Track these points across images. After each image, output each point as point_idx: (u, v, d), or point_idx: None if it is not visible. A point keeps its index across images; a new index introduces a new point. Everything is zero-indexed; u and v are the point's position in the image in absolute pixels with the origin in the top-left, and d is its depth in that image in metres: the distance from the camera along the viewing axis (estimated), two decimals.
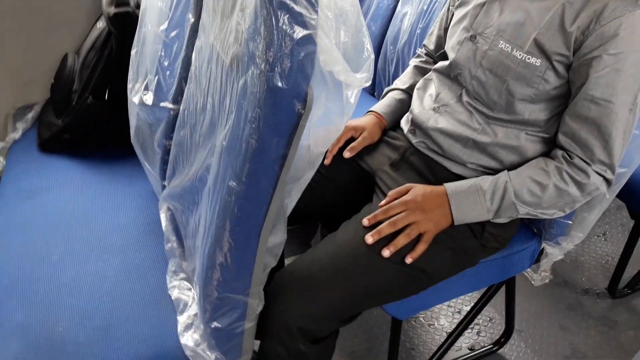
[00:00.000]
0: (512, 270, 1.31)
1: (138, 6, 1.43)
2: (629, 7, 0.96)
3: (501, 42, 1.08)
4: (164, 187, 1.20)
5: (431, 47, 1.40)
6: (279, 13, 0.73)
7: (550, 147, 1.12)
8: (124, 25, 1.42)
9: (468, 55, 1.14)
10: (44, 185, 1.32)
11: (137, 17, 1.32)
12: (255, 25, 0.76)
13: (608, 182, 1.05)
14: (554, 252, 1.31)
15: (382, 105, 1.37)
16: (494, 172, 1.14)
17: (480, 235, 1.13)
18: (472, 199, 1.06)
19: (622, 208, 2.11)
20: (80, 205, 1.25)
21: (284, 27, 0.73)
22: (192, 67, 1.07)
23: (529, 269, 1.36)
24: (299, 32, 0.74)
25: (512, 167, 1.12)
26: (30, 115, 1.62)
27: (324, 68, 0.81)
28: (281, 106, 0.77)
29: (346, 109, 0.87)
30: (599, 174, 1.04)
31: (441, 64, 1.24)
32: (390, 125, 1.35)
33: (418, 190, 1.08)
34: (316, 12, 0.74)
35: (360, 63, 0.87)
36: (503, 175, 1.08)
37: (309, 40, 0.75)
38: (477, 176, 1.14)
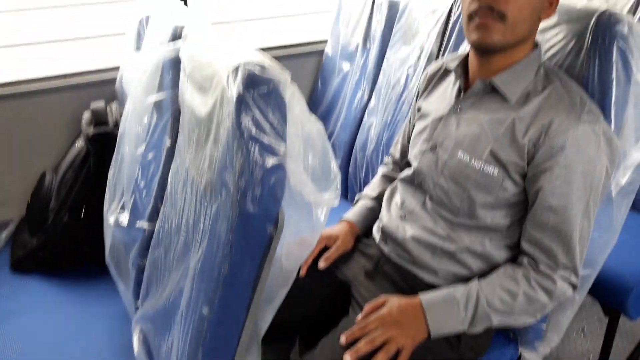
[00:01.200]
0: None
1: (117, 125, 1.49)
2: (572, 122, 1.04)
3: (460, 152, 1.14)
4: (137, 308, 1.19)
5: (397, 155, 1.47)
6: (249, 144, 0.78)
7: (514, 253, 1.15)
8: (103, 145, 1.48)
9: (430, 164, 1.20)
10: (15, 309, 1.29)
11: (115, 136, 1.38)
12: (227, 155, 0.81)
13: (573, 286, 1.09)
14: (531, 358, 1.30)
15: (353, 213, 1.41)
16: (464, 280, 1.16)
17: (457, 346, 1.13)
18: (446, 310, 1.07)
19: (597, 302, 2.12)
20: (51, 329, 1.22)
21: (254, 157, 0.78)
22: (168, 188, 1.10)
23: None
24: (269, 161, 0.79)
25: (481, 274, 1.14)
26: (4, 235, 1.61)
27: (294, 190, 0.85)
28: (253, 230, 0.80)
29: (316, 226, 0.90)
30: (565, 279, 1.07)
31: (405, 172, 1.30)
32: (362, 232, 1.38)
33: (393, 303, 1.10)
34: (284, 142, 0.80)
35: (328, 183, 0.92)
36: (474, 285, 1.10)
37: (279, 167, 0.80)
38: (448, 285, 1.15)
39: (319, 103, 2.15)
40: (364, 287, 1.24)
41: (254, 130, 0.77)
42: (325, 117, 2.11)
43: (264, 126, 0.77)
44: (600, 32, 1.12)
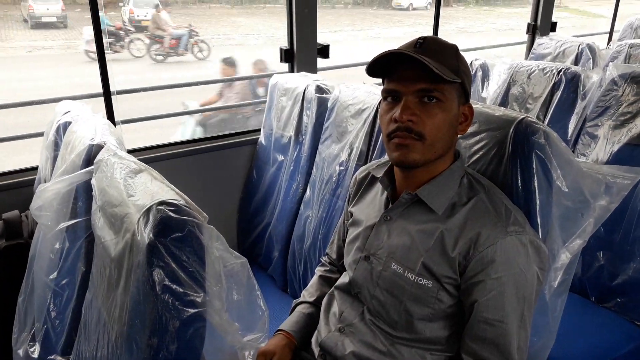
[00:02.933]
0: None
1: (31, 235, 1.38)
2: (499, 234, 1.04)
3: (393, 263, 1.12)
4: None
5: (333, 256, 1.43)
6: (162, 297, 0.72)
7: None
8: (16, 259, 1.36)
9: (365, 275, 1.18)
10: None
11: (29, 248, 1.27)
12: (137, 309, 0.74)
13: None
14: None
15: (290, 323, 1.34)
16: None
17: None
18: None
19: None
20: None
21: (168, 311, 0.72)
22: (82, 320, 1.01)
23: None
24: (185, 314, 0.72)
25: None
26: None
27: (218, 335, 0.79)
28: None
29: None
30: None
31: (341, 281, 1.26)
32: (300, 343, 1.32)
33: None
34: (203, 289, 0.74)
35: (256, 320, 0.86)
36: None
37: (197, 318, 0.74)
38: None
39: (254, 192, 2.12)
40: None
41: (167, 281, 0.71)
42: (261, 206, 2.07)
43: (179, 275, 0.72)
44: (520, 140, 1.15)
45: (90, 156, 1.06)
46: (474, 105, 1.15)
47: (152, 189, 0.84)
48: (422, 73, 1.02)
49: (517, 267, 1.03)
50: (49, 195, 1.05)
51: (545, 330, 1.23)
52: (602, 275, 1.77)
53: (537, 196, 1.15)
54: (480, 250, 1.03)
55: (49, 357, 1.08)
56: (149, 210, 0.76)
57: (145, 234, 0.74)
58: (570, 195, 1.16)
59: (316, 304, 1.37)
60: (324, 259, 1.48)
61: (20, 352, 1.13)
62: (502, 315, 1.03)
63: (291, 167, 1.93)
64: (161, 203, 0.76)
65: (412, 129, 1.04)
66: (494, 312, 1.03)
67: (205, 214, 0.78)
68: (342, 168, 1.68)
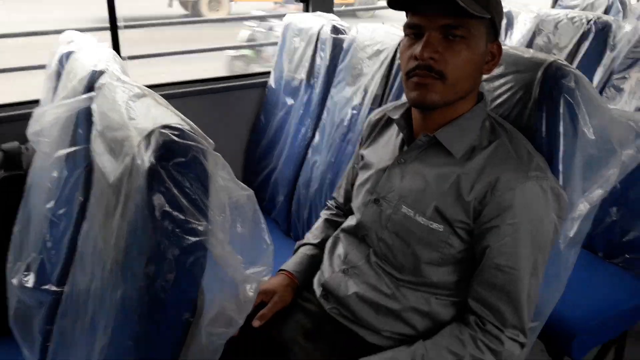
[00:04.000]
0: None
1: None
2: (520, 179, 1.00)
3: (404, 207, 1.09)
4: None
5: (340, 200, 1.40)
6: (162, 223, 0.67)
7: (461, 311, 1.09)
8: (14, 191, 1.32)
9: (374, 217, 1.14)
10: None
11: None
12: (134, 235, 0.69)
13: (522, 345, 1.04)
14: None
15: (293, 263, 1.31)
16: (408, 339, 1.09)
17: None
18: None
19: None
20: None
21: (167, 237, 0.67)
22: (78, 250, 0.97)
23: None
24: (186, 241, 0.68)
25: (426, 332, 1.08)
26: None
27: (219, 266, 0.75)
28: (165, 320, 0.69)
29: (245, 306, 0.80)
30: (512, 339, 1.02)
31: (348, 223, 1.23)
32: (303, 284, 1.29)
33: None
34: (205, 217, 0.70)
35: (260, 254, 0.82)
36: (419, 348, 1.03)
37: (198, 247, 0.69)
38: (392, 345, 1.09)
39: (261, 136, 2.06)
40: (301, 350, 1.15)
41: (167, 207, 0.66)
42: (268, 151, 2.02)
43: (180, 201, 0.67)
44: (548, 84, 1.09)
45: (93, 82, 1.00)
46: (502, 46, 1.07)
47: (156, 113, 0.78)
48: (448, 7, 0.95)
49: (536, 213, 1.00)
50: (48, 120, 1.00)
51: (555, 281, 1.19)
52: (613, 231, 1.73)
53: (562, 142, 1.09)
54: (498, 195, 0.99)
55: (43, 287, 1.05)
56: (150, 133, 0.70)
57: (146, 158, 0.69)
58: (597, 143, 1.10)
59: (320, 246, 1.34)
60: (330, 202, 1.44)
61: (15, 281, 1.11)
62: (514, 261, 1.00)
63: (301, 111, 1.86)
64: (165, 127, 0.70)
65: (433, 68, 0.99)
66: (507, 258, 1.00)
67: (211, 141, 0.73)
68: (354, 112, 1.62)
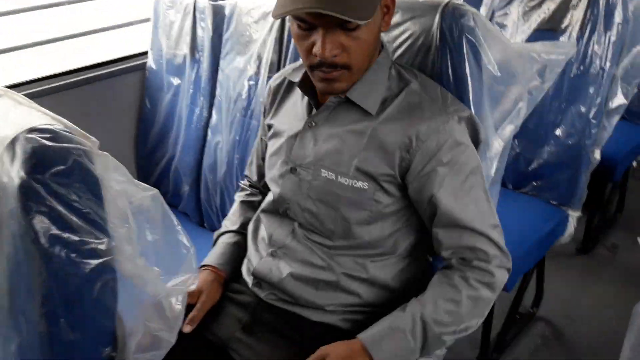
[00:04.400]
0: None
1: None
2: (441, 119, 0.98)
3: (323, 171, 1.03)
4: None
5: (254, 178, 1.30)
6: (52, 251, 0.54)
7: (402, 267, 1.08)
8: None
9: (293, 188, 1.07)
10: None
11: None
12: (19, 270, 0.55)
13: (508, 270, 1.05)
14: None
15: (215, 256, 1.21)
16: (357, 309, 1.06)
17: None
18: (393, 343, 0.97)
19: None
20: None
21: (62, 266, 0.54)
22: None
23: None
24: (87, 266, 0.56)
25: (373, 300, 1.06)
26: None
27: (133, 283, 0.64)
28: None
29: (174, 322, 0.70)
30: (500, 267, 1.02)
31: (266, 202, 1.15)
32: (230, 276, 1.19)
33: (333, 356, 0.97)
34: (105, 233, 0.57)
35: (180, 260, 0.71)
36: (415, 307, 1.00)
37: (104, 269, 0.57)
38: (341, 319, 1.05)
39: (150, 124, 1.87)
40: (243, 346, 1.07)
41: (54, 229, 0.53)
42: (160, 139, 1.84)
43: (69, 219, 0.54)
44: (448, 25, 1.07)
45: None
46: None
47: (17, 116, 0.63)
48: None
49: (463, 145, 1.00)
50: None
51: None
52: (518, 162, 1.82)
53: (470, 83, 1.08)
54: (424, 141, 0.97)
55: None
56: (14, 141, 0.56)
57: (14, 173, 0.54)
58: (503, 79, 1.10)
59: (241, 231, 1.25)
60: (243, 183, 1.35)
61: None
62: (464, 198, 1.00)
63: (190, 90, 1.71)
64: (31, 130, 0.57)
65: (337, 63, 0.95)
66: (455, 197, 0.99)
67: (94, 138, 0.60)
68: (251, 83, 1.50)
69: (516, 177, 1.82)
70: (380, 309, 1.06)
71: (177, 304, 0.69)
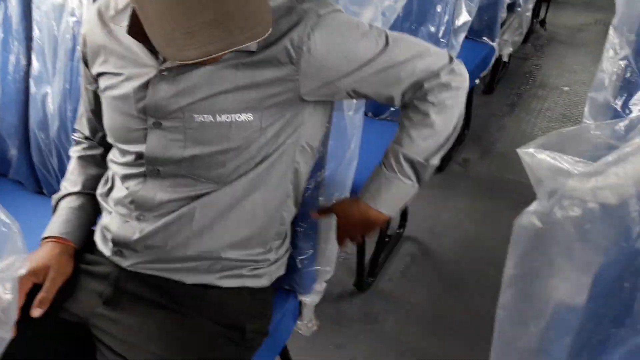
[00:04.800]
0: (281, 341, 1.23)
1: None
2: (309, 20, 0.89)
3: (196, 115, 0.91)
4: None
5: (86, 132, 1.14)
6: None
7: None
8: None
9: (164, 143, 0.94)
10: None
11: None
12: None
13: (459, 62, 1.01)
14: (311, 300, 1.27)
15: (59, 224, 1.05)
16: (216, 257, 0.98)
17: (242, 338, 1.00)
18: (392, 191, 1.01)
19: None
20: None
21: None
22: None
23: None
24: None
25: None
26: None
27: None
28: None
29: (7, 314, 0.57)
30: (450, 71, 0.97)
31: (125, 162, 1.00)
32: (80, 245, 1.05)
33: (344, 214, 1.08)
34: None
35: (2, 240, 0.58)
36: (394, 151, 1.00)
37: None
38: (221, 277, 0.99)
39: None
40: (107, 321, 0.97)
41: None
42: None
43: None
44: None
45: None
46: None
47: None
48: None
49: (337, 22, 0.92)
50: None
51: (348, 152, 1.19)
52: None
53: None
54: (307, 51, 0.89)
55: None
56: None
57: None
58: (356, 0, 1.04)
59: (85, 192, 1.09)
60: (77, 136, 1.16)
61: None
62: (372, 55, 0.93)
63: (0, 35, 1.43)
64: None
65: None
66: (350, 61, 0.93)
67: None
68: (74, 19, 1.28)
69: (375, 105, 1.84)
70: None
71: (7, 293, 0.56)
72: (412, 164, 0.99)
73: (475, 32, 2.17)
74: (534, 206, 0.50)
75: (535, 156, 0.50)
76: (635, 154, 0.47)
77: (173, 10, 0.73)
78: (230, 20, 0.73)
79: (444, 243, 2.06)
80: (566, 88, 3.14)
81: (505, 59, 2.69)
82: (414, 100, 0.98)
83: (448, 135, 1.00)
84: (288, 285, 1.22)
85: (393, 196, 1.02)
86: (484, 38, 2.28)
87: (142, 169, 0.97)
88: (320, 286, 1.28)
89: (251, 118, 0.91)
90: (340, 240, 1.14)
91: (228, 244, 0.98)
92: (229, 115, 0.90)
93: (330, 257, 1.24)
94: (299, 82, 0.91)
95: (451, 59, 0.99)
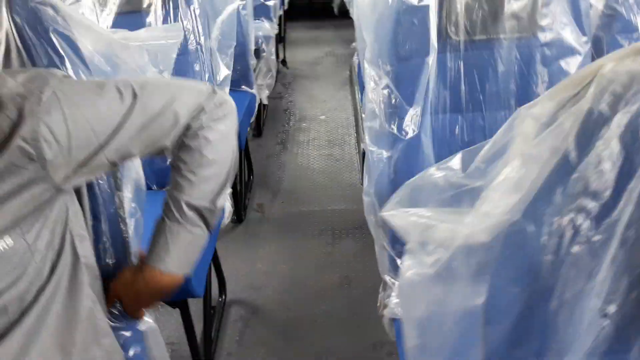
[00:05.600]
0: None
1: None
2: (35, 109, 0.74)
3: None
4: None
5: None
6: None
7: None
8: None
9: None
10: None
11: None
12: None
13: (214, 91, 0.94)
14: None
15: None
16: None
17: None
18: (179, 246, 0.91)
19: None
20: None
21: None
22: None
23: None
24: None
25: None
26: None
27: None
28: None
29: None
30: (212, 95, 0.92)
31: None
32: None
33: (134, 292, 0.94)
34: None
35: None
36: (175, 200, 0.90)
37: None
38: None
39: None
40: None
41: None
42: None
43: None
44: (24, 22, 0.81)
45: None
46: None
47: None
48: None
49: (78, 96, 0.81)
50: None
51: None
52: (154, 161, 1.68)
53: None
54: (43, 141, 0.74)
55: None
56: None
57: None
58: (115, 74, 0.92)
59: None
60: None
61: None
62: (145, 129, 0.85)
63: None
64: None
65: None
66: (145, 138, 0.86)
67: None
68: None
69: (158, 175, 1.70)
70: None
71: None
72: (199, 211, 0.91)
73: (234, 83, 2.19)
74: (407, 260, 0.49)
75: (397, 216, 0.50)
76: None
77: None
78: None
79: (268, 294, 2.00)
80: (323, 117, 3.40)
81: (265, 101, 2.79)
82: (184, 140, 0.90)
83: (228, 170, 0.94)
84: None
85: (185, 251, 0.92)
86: (243, 87, 2.32)
87: None
88: None
89: (12, 244, 0.74)
90: (133, 315, 1.00)
91: None
92: None
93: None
94: (50, 177, 0.77)
95: (212, 89, 0.94)
